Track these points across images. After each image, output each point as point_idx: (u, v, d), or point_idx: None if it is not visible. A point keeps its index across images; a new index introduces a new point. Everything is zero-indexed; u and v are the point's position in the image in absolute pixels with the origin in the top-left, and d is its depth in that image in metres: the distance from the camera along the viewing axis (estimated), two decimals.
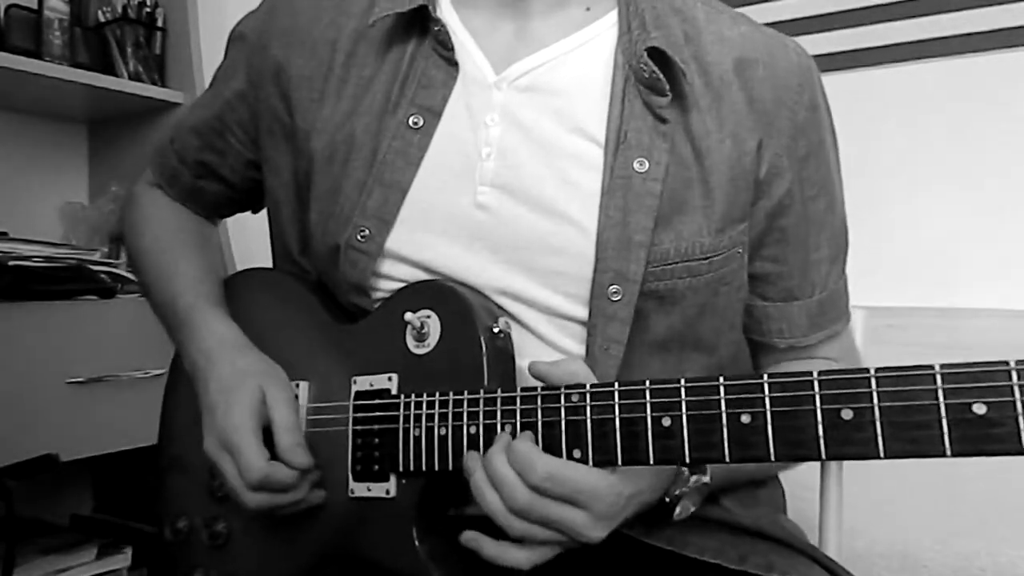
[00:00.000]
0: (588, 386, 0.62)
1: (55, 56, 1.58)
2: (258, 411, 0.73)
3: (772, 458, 0.54)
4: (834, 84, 0.80)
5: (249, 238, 1.28)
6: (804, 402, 0.53)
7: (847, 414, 0.52)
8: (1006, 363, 0.48)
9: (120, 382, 1.44)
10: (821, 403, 0.53)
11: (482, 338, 0.68)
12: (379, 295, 0.76)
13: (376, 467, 0.72)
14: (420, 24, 0.77)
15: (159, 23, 1.74)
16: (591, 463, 0.61)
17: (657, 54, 0.72)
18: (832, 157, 0.80)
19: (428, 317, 0.71)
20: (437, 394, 0.69)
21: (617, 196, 0.71)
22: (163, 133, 0.98)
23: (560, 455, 0.62)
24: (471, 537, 0.65)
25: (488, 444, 0.65)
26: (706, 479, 0.69)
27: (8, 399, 1.30)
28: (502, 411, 0.65)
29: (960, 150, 1.45)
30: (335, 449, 0.74)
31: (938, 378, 0.50)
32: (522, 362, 0.71)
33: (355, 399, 0.74)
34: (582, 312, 0.72)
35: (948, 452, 0.49)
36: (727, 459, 0.56)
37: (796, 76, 0.76)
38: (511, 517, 0.62)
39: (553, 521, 0.61)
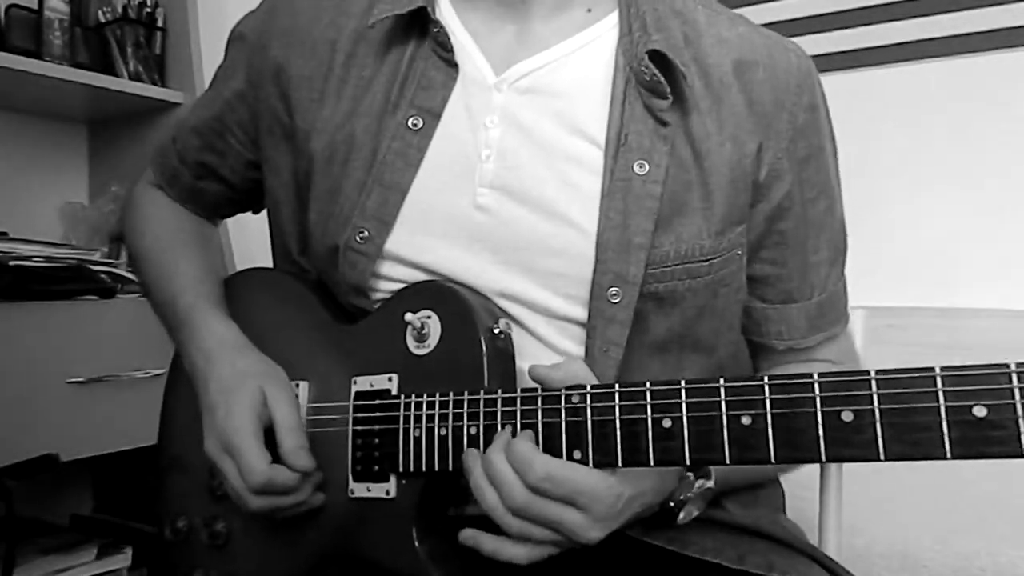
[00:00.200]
0: (588, 387, 0.62)
1: (55, 56, 1.58)
2: (259, 412, 0.73)
3: (772, 460, 0.54)
4: (834, 84, 0.80)
5: (249, 238, 1.28)
6: (804, 404, 0.54)
7: (847, 416, 0.52)
8: (1006, 365, 0.48)
9: (120, 382, 1.44)
10: (821, 405, 0.53)
11: (482, 339, 0.68)
12: (379, 296, 0.76)
13: (376, 467, 0.72)
14: (420, 25, 0.77)
15: (159, 23, 1.74)
16: (591, 464, 0.61)
17: (658, 57, 0.72)
18: (832, 159, 0.80)
19: (428, 318, 0.71)
20: (437, 395, 0.69)
21: (617, 198, 0.71)
22: (164, 133, 0.99)
23: (560, 456, 0.62)
24: (470, 535, 0.65)
25: (488, 445, 0.65)
26: (711, 484, 0.69)
27: (8, 399, 1.30)
28: (502, 412, 0.65)
29: (960, 150, 1.45)
30: (335, 449, 0.74)
31: (938, 380, 0.50)
32: (522, 363, 0.71)
33: (355, 399, 0.74)
34: (581, 314, 0.72)
35: (948, 455, 0.49)
36: (727, 461, 0.56)
37: (795, 78, 0.76)
38: (509, 516, 0.62)
39: (551, 521, 0.61)
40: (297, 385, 0.78)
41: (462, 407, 0.67)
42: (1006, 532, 1.35)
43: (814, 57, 0.79)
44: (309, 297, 0.81)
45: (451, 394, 0.68)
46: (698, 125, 0.73)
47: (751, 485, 0.82)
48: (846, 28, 1.56)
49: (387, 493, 0.71)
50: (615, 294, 0.70)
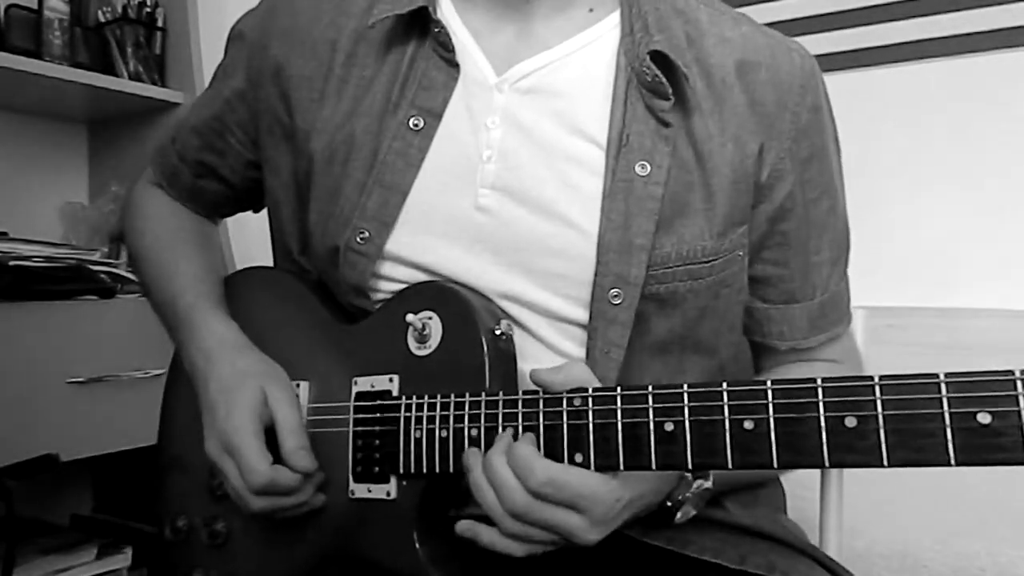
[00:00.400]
0: (591, 390, 0.62)
1: (55, 56, 1.58)
2: (259, 412, 0.73)
3: (775, 465, 0.54)
4: (834, 84, 0.80)
5: (249, 238, 1.28)
6: (807, 409, 0.53)
7: (851, 421, 0.52)
8: (1011, 372, 0.48)
9: (120, 382, 1.44)
10: (825, 410, 0.53)
11: (484, 340, 0.68)
12: (379, 296, 0.76)
13: (377, 468, 0.72)
14: (420, 25, 0.77)
15: (159, 23, 1.74)
16: (593, 467, 0.61)
17: (660, 57, 0.72)
18: (834, 159, 0.80)
19: (430, 318, 0.71)
20: (438, 396, 0.69)
21: (618, 199, 0.70)
22: (164, 132, 0.98)
23: (562, 459, 0.62)
24: (466, 526, 0.65)
25: (489, 447, 0.64)
26: (708, 484, 0.69)
27: (8, 399, 1.30)
28: (503, 414, 0.65)
29: (960, 150, 1.45)
30: (335, 450, 0.74)
31: (942, 387, 0.49)
32: (522, 365, 0.71)
33: (356, 400, 0.74)
34: (582, 315, 0.72)
35: (952, 461, 0.49)
36: (730, 465, 0.56)
37: (798, 78, 0.75)
38: (508, 518, 0.62)
39: (551, 524, 0.61)
40: (298, 385, 0.78)
41: (463, 408, 0.67)
42: (1006, 533, 1.35)
43: (814, 57, 0.79)
44: (310, 296, 0.81)
45: (452, 395, 0.68)
46: (700, 126, 0.73)
47: (751, 485, 0.82)
48: (846, 28, 1.56)
49: (388, 494, 0.71)
50: (616, 295, 0.70)
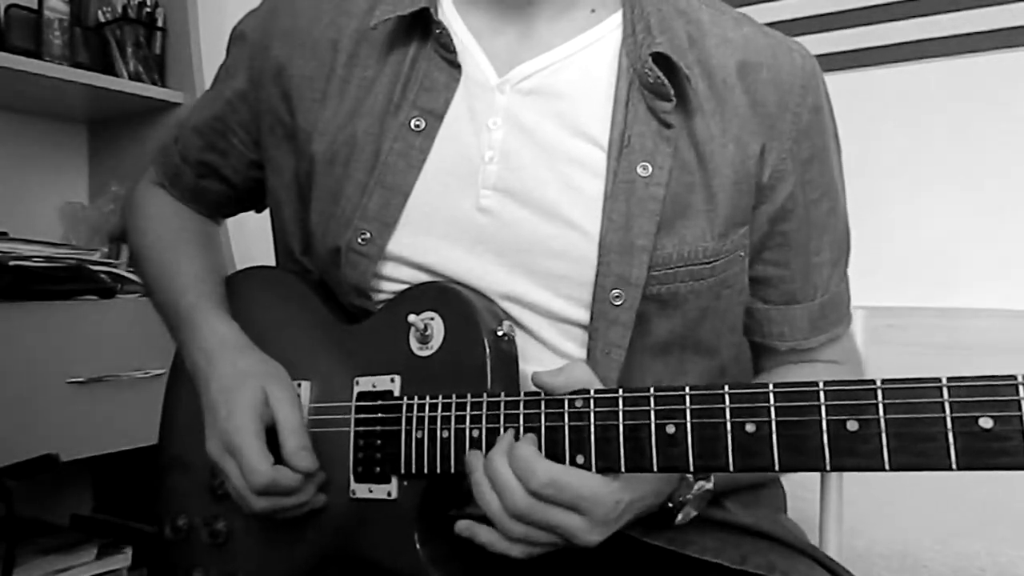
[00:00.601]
0: (592, 392, 0.62)
1: (55, 56, 1.58)
2: (260, 412, 0.73)
3: (776, 468, 0.54)
4: (834, 84, 0.80)
5: (249, 238, 1.28)
6: (809, 412, 0.53)
7: (853, 425, 0.52)
8: (1013, 377, 0.48)
9: (120, 382, 1.44)
10: (826, 414, 0.53)
11: (486, 341, 0.68)
12: (381, 297, 0.76)
13: (378, 468, 0.72)
14: (422, 26, 0.77)
15: (159, 23, 1.74)
16: (594, 469, 0.61)
17: (661, 59, 0.72)
18: (835, 160, 0.80)
19: (432, 319, 0.71)
20: (440, 396, 0.69)
21: (620, 200, 0.70)
22: (165, 132, 0.99)
23: (563, 460, 0.62)
24: (465, 526, 0.65)
25: (490, 448, 0.65)
26: (709, 486, 0.69)
27: (8, 399, 1.30)
28: (505, 415, 0.65)
29: (960, 150, 1.45)
30: (337, 450, 0.74)
31: (945, 391, 0.50)
32: (524, 366, 0.71)
33: (357, 400, 0.74)
34: (584, 316, 0.72)
35: (954, 466, 0.49)
36: (731, 468, 0.56)
37: (800, 79, 0.75)
38: (509, 520, 0.62)
39: (552, 526, 0.61)
40: (299, 385, 0.78)
41: (465, 409, 0.67)
42: (1006, 533, 1.35)
43: (814, 57, 0.79)
44: (311, 296, 0.81)
45: (454, 396, 0.68)
46: (701, 127, 0.73)
47: (751, 486, 0.82)
48: (846, 28, 1.56)
49: (388, 494, 0.71)
50: (617, 296, 0.70)
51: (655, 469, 0.59)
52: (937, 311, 1.42)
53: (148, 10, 1.73)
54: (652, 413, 0.59)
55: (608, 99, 0.73)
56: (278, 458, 0.71)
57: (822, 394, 0.53)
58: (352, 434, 0.74)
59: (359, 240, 0.74)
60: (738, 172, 0.73)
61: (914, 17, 1.50)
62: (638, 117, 0.72)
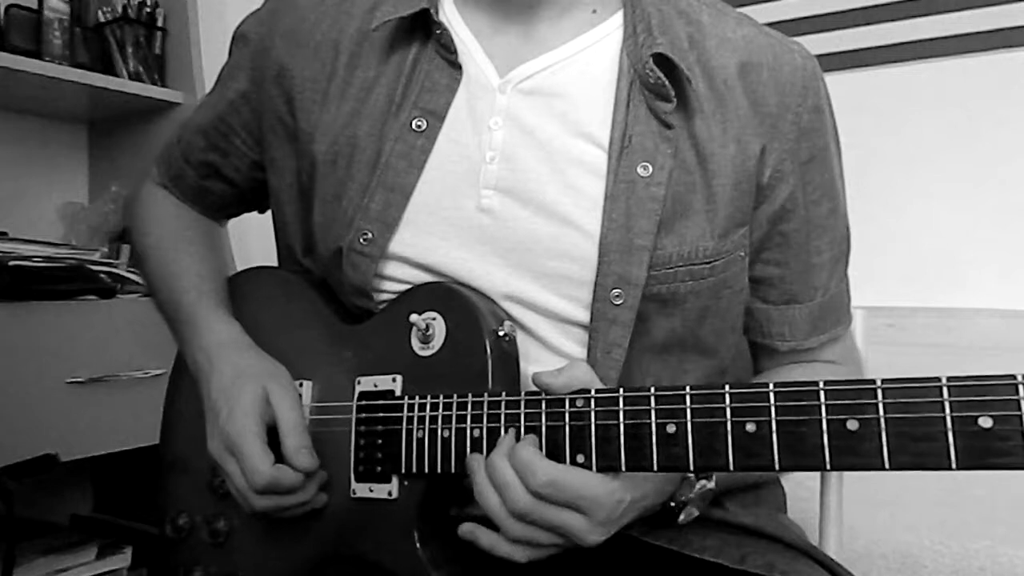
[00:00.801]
0: (593, 391, 0.62)
1: (55, 56, 1.58)
2: (261, 412, 0.73)
3: (777, 467, 0.54)
4: (834, 84, 0.80)
5: (250, 238, 1.28)
6: (809, 412, 0.54)
7: (853, 425, 0.52)
8: (1013, 376, 0.48)
9: (120, 382, 1.44)
10: (827, 413, 0.53)
11: (487, 341, 0.68)
12: (382, 297, 0.76)
13: (378, 468, 0.72)
14: (423, 27, 0.77)
15: (159, 23, 1.74)
16: (595, 469, 0.61)
17: (662, 60, 0.72)
18: (836, 160, 0.80)
19: (433, 319, 0.71)
20: (441, 396, 0.69)
21: (620, 200, 0.71)
22: (169, 133, 0.99)
23: (564, 460, 0.62)
24: (468, 530, 0.65)
25: (491, 448, 0.65)
26: (711, 485, 0.69)
27: (8, 399, 1.30)
28: (506, 415, 0.65)
29: (960, 150, 1.45)
30: (338, 449, 0.74)
31: (944, 391, 0.50)
32: (524, 366, 0.71)
33: (359, 399, 0.74)
34: (584, 316, 0.72)
35: (954, 465, 0.49)
36: (731, 467, 0.56)
37: (800, 79, 0.76)
38: (510, 520, 0.62)
39: (553, 526, 0.61)
40: (301, 384, 0.78)
41: (465, 409, 0.67)
42: (1006, 532, 1.35)
43: (815, 57, 0.79)
44: (313, 296, 0.81)
45: (455, 396, 0.68)
46: (702, 127, 0.73)
47: (751, 485, 0.82)
48: (846, 28, 1.56)
49: (389, 494, 0.71)
50: (618, 296, 0.70)
51: (655, 468, 0.59)
52: (937, 311, 1.42)
53: (148, 10, 1.73)
54: (652, 412, 0.59)
55: (609, 99, 0.73)
56: (279, 457, 0.71)
57: (822, 394, 0.53)
58: (353, 433, 0.74)
59: (360, 240, 0.74)
60: (738, 172, 0.73)
61: (914, 17, 1.50)
62: (639, 117, 0.72)
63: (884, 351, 1.01)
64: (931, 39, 1.49)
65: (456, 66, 0.75)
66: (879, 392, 0.51)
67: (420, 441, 0.69)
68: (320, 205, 0.77)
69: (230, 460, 0.72)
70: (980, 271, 1.43)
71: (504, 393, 0.66)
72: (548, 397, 0.64)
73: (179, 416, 0.89)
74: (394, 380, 0.73)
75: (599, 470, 0.61)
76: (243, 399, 0.73)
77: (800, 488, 0.92)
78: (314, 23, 0.80)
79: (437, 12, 0.77)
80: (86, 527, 1.71)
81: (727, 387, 0.57)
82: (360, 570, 0.73)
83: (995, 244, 1.42)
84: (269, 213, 0.90)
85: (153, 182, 0.97)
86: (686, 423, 0.58)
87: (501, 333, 0.69)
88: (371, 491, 0.72)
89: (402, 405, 0.71)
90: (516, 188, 0.73)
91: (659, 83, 0.71)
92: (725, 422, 0.56)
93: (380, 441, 0.72)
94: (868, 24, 1.54)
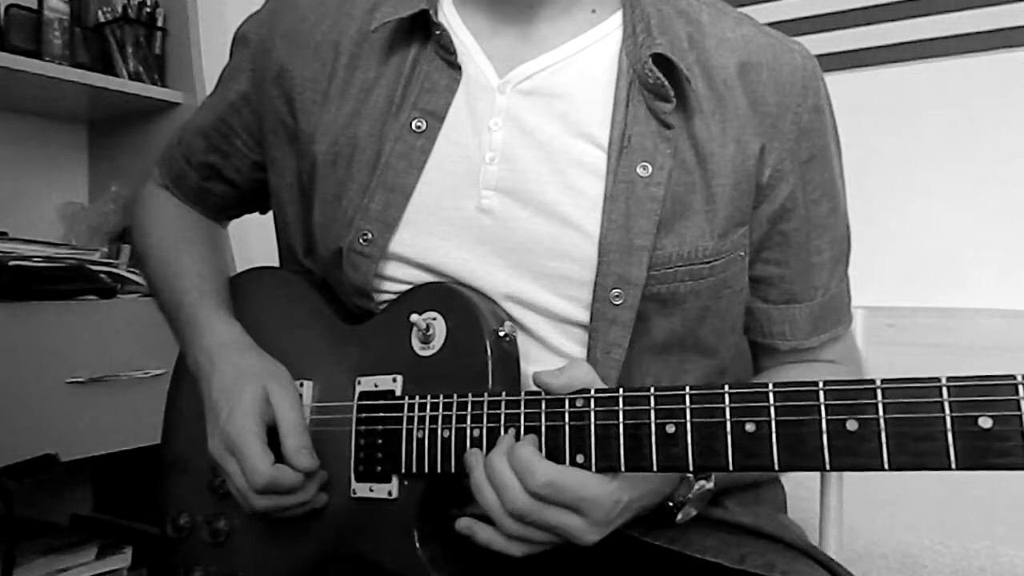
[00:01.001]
0: (592, 391, 0.62)
1: (55, 56, 1.58)
2: (261, 412, 0.73)
3: (776, 467, 0.54)
4: (834, 84, 0.80)
5: (250, 239, 1.28)
6: (809, 412, 0.54)
7: (852, 425, 0.52)
8: (1013, 376, 0.48)
9: (120, 382, 1.44)
10: (826, 413, 0.53)
11: (487, 341, 0.69)
12: (383, 297, 0.76)
13: (379, 468, 0.72)
14: (422, 28, 0.77)
15: (159, 23, 1.74)
16: (594, 469, 0.61)
17: (662, 60, 0.72)
18: (836, 160, 0.80)
19: (434, 319, 0.71)
20: (441, 396, 0.69)
21: (620, 201, 0.71)
22: (169, 133, 0.99)
23: (563, 460, 0.62)
24: (466, 524, 0.65)
25: (491, 448, 0.65)
26: (710, 485, 0.69)
27: (8, 399, 1.30)
28: (506, 415, 0.65)
29: (960, 150, 1.46)
30: (338, 449, 0.74)
31: (944, 391, 0.50)
32: (524, 366, 0.71)
33: (359, 399, 0.74)
34: (584, 316, 0.72)
35: (953, 465, 0.49)
36: (731, 468, 0.56)
37: (800, 79, 0.76)
38: (508, 518, 0.62)
39: (550, 526, 0.62)
40: (301, 384, 0.78)
41: (466, 409, 0.67)
42: (1006, 532, 1.36)
43: (815, 57, 0.79)
44: (314, 296, 0.81)
45: (455, 396, 0.68)
46: (701, 127, 0.73)
47: (751, 484, 0.82)
48: (846, 28, 1.56)
49: (389, 494, 0.71)
50: (618, 296, 0.70)
51: (655, 468, 0.59)
52: (937, 311, 1.42)
53: (148, 10, 1.73)
54: (652, 412, 0.59)
55: (608, 99, 0.74)
56: (279, 457, 0.71)
57: (822, 394, 0.53)
58: (353, 433, 0.74)
59: (361, 241, 0.74)
60: (738, 172, 0.73)
61: (914, 17, 1.50)
62: (638, 118, 0.72)
63: (884, 351, 1.01)
64: (931, 39, 1.49)
65: (455, 67, 0.75)
66: (879, 392, 0.51)
67: (420, 441, 0.69)
68: (320, 205, 0.77)
69: (230, 460, 0.72)
70: (980, 271, 1.43)
71: (504, 393, 0.66)
72: (548, 397, 0.64)
73: (180, 416, 0.89)
74: (394, 380, 0.73)
75: (599, 470, 0.61)
76: (243, 399, 0.73)
77: (800, 488, 0.92)
78: (314, 24, 0.80)
79: (436, 13, 0.77)
80: (86, 527, 1.71)
81: (727, 387, 0.57)
82: (360, 570, 0.73)
83: (995, 244, 1.42)
84: (270, 214, 0.90)
85: (154, 183, 0.97)
86: (686, 423, 0.58)
87: (501, 333, 0.69)
88: (371, 491, 0.72)
89: (402, 405, 0.71)
90: (516, 188, 0.73)
91: (658, 83, 0.71)
92: (725, 422, 0.56)
93: (380, 441, 0.72)
94: (868, 24, 1.54)
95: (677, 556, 0.70)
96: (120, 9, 1.72)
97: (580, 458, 0.62)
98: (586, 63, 0.75)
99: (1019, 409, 0.47)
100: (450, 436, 0.68)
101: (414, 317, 0.71)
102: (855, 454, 0.52)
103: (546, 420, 0.63)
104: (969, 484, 1.33)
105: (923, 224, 1.48)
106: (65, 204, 1.76)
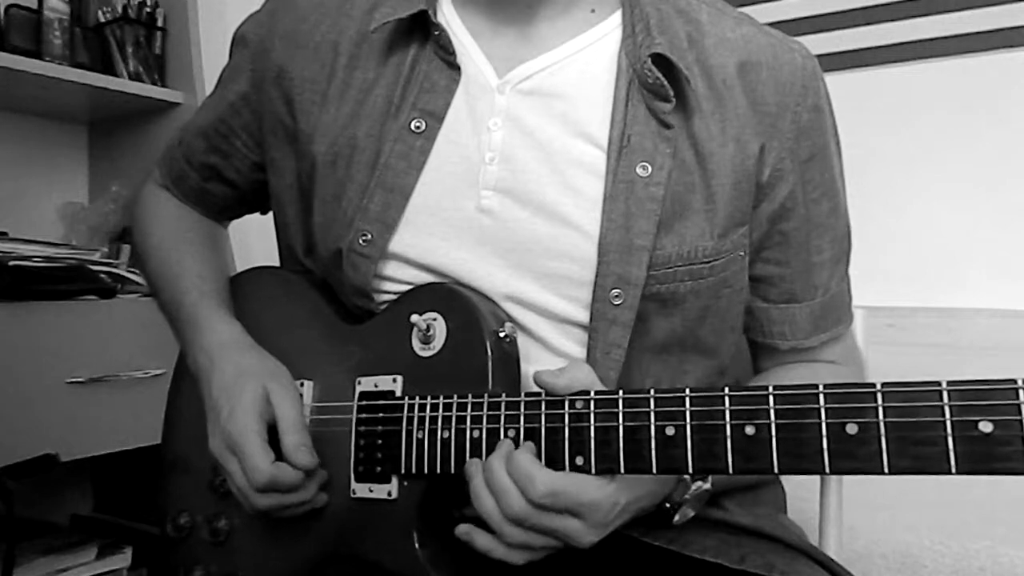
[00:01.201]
0: (592, 393, 0.62)
1: (55, 56, 1.58)
2: (261, 410, 0.73)
3: (775, 470, 0.54)
4: (834, 84, 0.80)
5: (250, 239, 1.28)
6: (809, 415, 0.53)
7: (852, 428, 0.52)
8: (1014, 381, 0.48)
9: (120, 382, 1.44)
10: (826, 417, 0.53)
11: (488, 342, 0.69)
12: (382, 298, 0.76)
13: (378, 468, 0.72)
14: (421, 28, 0.77)
15: (159, 23, 1.74)
16: (593, 471, 0.61)
17: (661, 60, 0.72)
18: (836, 159, 0.80)
19: (434, 320, 0.71)
20: (441, 397, 0.69)
21: (619, 201, 0.71)
22: (169, 133, 0.99)
23: (562, 461, 0.62)
24: (465, 531, 0.65)
25: (491, 449, 0.65)
26: (707, 486, 0.69)
27: (8, 399, 1.30)
28: (505, 416, 0.65)
29: (960, 150, 1.45)
30: (338, 449, 0.74)
31: (944, 395, 0.49)
32: (524, 366, 0.71)
33: (359, 400, 0.74)
34: (584, 316, 0.72)
35: (953, 470, 0.49)
36: (730, 470, 0.56)
37: (800, 78, 0.75)
38: (508, 525, 0.62)
39: (550, 530, 0.62)
40: (302, 384, 0.78)
41: (465, 410, 0.67)
42: (1006, 532, 1.35)
43: (815, 57, 0.79)
44: (315, 296, 0.81)
45: (455, 397, 0.68)
46: (701, 127, 0.73)
47: (750, 485, 0.82)
48: (846, 28, 1.56)
49: (389, 494, 0.71)
50: (617, 296, 0.70)
51: (654, 471, 0.59)
52: (937, 311, 1.42)
53: (148, 10, 1.73)
54: (652, 415, 0.59)
55: (608, 99, 0.73)
56: (280, 456, 0.72)
57: (821, 397, 0.53)
58: (353, 434, 0.74)
59: (360, 241, 0.74)
60: (737, 172, 0.73)
61: (914, 17, 1.50)
62: (638, 117, 0.72)
63: (884, 351, 1.01)
64: (931, 39, 1.49)
65: (455, 67, 0.75)
66: (878, 395, 0.51)
67: (420, 442, 0.69)
68: (320, 206, 0.77)
69: (231, 459, 0.72)
70: (980, 271, 1.42)
71: (504, 394, 0.66)
72: (548, 399, 0.64)
73: (180, 416, 0.89)
74: (394, 380, 0.73)
75: (598, 472, 0.61)
76: (244, 398, 0.73)
77: (800, 488, 0.92)
78: (313, 24, 0.80)
79: (435, 13, 0.77)
80: (86, 527, 1.71)
81: (726, 389, 0.57)
82: (360, 570, 0.73)
83: (995, 244, 1.41)
84: (270, 214, 0.90)
85: (155, 184, 0.98)
86: (685, 426, 0.58)
87: (502, 334, 0.69)
88: (371, 491, 0.72)
89: (402, 405, 0.71)
90: (516, 189, 0.73)
91: (658, 83, 0.71)
92: (724, 425, 0.56)
93: (380, 441, 0.72)
94: (868, 24, 1.54)
95: (677, 556, 0.70)
96: (120, 9, 1.72)
97: (579, 460, 0.61)
98: (585, 63, 0.75)
99: (1020, 414, 0.47)
100: (450, 437, 0.68)
101: (414, 317, 0.71)
102: (855, 458, 0.52)
103: (546, 422, 0.63)
104: (969, 485, 1.33)
105: (923, 224, 1.48)
106: (65, 204, 1.76)
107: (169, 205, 0.95)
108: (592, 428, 0.61)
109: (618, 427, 0.60)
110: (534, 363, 0.72)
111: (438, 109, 0.75)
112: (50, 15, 1.59)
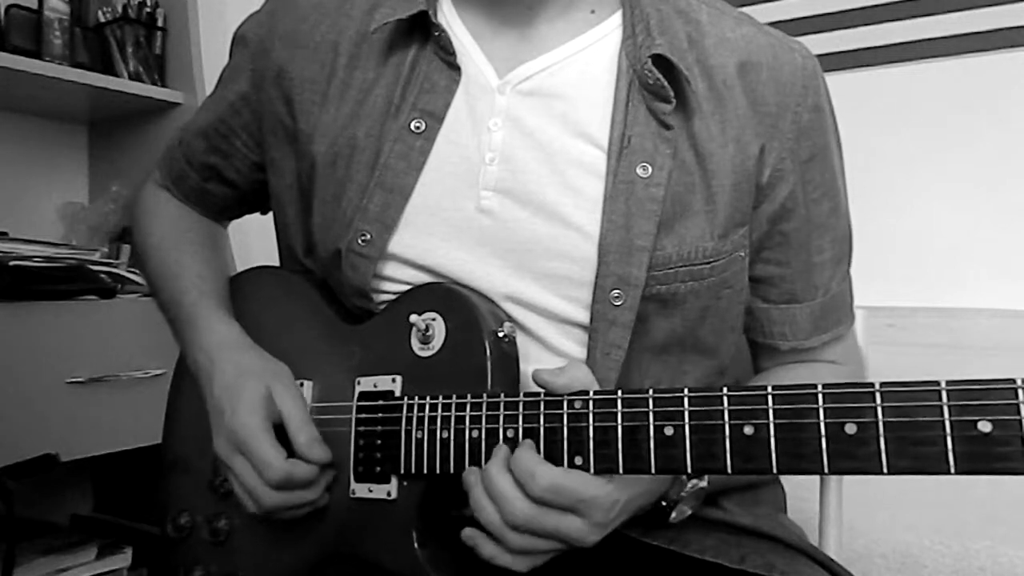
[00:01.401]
0: (591, 393, 0.62)
1: (55, 56, 1.58)
2: (265, 408, 0.73)
3: (774, 470, 0.54)
4: (834, 84, 0.80)
5: (249, 238, 1.28)
6: (807, 415, 0.53)
7: (851, 428, 0.52)
8: (1012, 380, 0.48)
9: (120, 382, 1.44)
10: (825, 416, 0.53)
11: (487, 342, 0.69)
12: (382, 298, 0.76)
13: (378, 468, 0.72)
14: (421, 28, 0.77)
15: (159, 23, 1.74)
16: (592, 470, 0.61)
17: (661, 61, 0.72)
18: (836, 159, 0.80)
19: (433, 319, 0.71)
20: (440, 397, 0.69)
21: (620, 201, 0.71)
22: (169, 132, 0.99)
23: (561, 461, 0.62)
24: (469, 535, 0.65)
25: (490, 449, 0.65)
26: (703, 484, 0.69)
27: (8, 399, 1.30)
28: (505, 416, 0.65)
29: (961, 150, 1.45)
30: (338, 449, 0.74)
31: (943, 394, 0.49)
32: (524, 366, 0.71)
33: (358, 400, 0.74)
34: (584, 316, 0.72)
35: (952, 470, 0.48)
36: (729, 470, 0.56)
37: (800, 78, 0.75)
38: (509, 531, 0.62)
39: (552, 532, 0.62)
40: (301, 384, 0.78)
41: (464, 410, 0.67)
42: (1006, 532, 1.35)
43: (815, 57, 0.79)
44: (315, 296, 0.81)
45: (454, 397, 0.68)
46: (701, 128, 0.73)
47: (749, 485, 0.82)
48: (846, 28, 1.56)
49: (388, 494, 0.71)
50: (617, 296, 0.70)
51: (653, 471, 0.59)
52: (937, 311, 1.42)
53: (148, 10, 1.73)
54: (651, 415, 0.59)
55: (608, 100, 0.73)
56: (291, 454, 0.71)
57: (820, 397, 0.53)
58: (352, 434, 0.74)
59: (360, 241, 0.74)
60: (738, 172, 0.73)
61: (914, 17, 1.50)
62: (638, 118, 0.72)
63: (885, 351, 1.01)
64: (931, 39, 1.49)
65: (455, 67, 0.75)
66: (877, 395, 0.51)
67: (419, 442, 0.69)
68: (319, 206, 0.77)
69: (238, 458, 0.72)
70: (980, 271, 1.42)
71: (503, 394, 0.66)
72: (546, 399, 0.64)
73: (180, 416, 0.89)
74: (394, 380, 0.73)
75: (597, 472, 0.61)
76: (246, 397, 0.73)
77: (800, 488, 0.92)
78: (313, 24, 0.80)
79: (435, 14, 0.77)
80: (86, 527, 1.71)
81: (725, 389, 0.57)
82: (360, 570, 0.73)
83: (995, 244, 1.41)
84: (270, 214, 0.90)
85: (155, 184, 0.98)
86: (684, 426, 0.58)
87: (501, 334, 0.69)
88: (370, 491, 0.72)
89: (401, 406, 0.71)
90: (516, 189, 0.73)
91: (658, 84, 0.71)
92: (723, 425, 0.56)
93: (379, 441, 0.72)
94: (868, 24, 1.54)
95: (676, 556, 0.70)
96: (120, 9, 1.72)
97: (578, 460, 0.61)
98: (586, 63, 0.75)
99: (1019, 413, 0.47)
100: (449, 437, 0.68)
101: (414, 318, 0.71)
102: (854, 458, 0.52)
103: (544, 422, 0.63)
104: (969, 485, 1.33)
105: (923, 224, 1.48)
106: (65, 204, 1.76)
107: (169, 205, 0.95)
108: (591, 428, 0.61)
109: (617, 427, 0.60)
110: (534, 363, 0.72)
111: (438, 109, 0.75)
112: (50, 15, 1.59)
